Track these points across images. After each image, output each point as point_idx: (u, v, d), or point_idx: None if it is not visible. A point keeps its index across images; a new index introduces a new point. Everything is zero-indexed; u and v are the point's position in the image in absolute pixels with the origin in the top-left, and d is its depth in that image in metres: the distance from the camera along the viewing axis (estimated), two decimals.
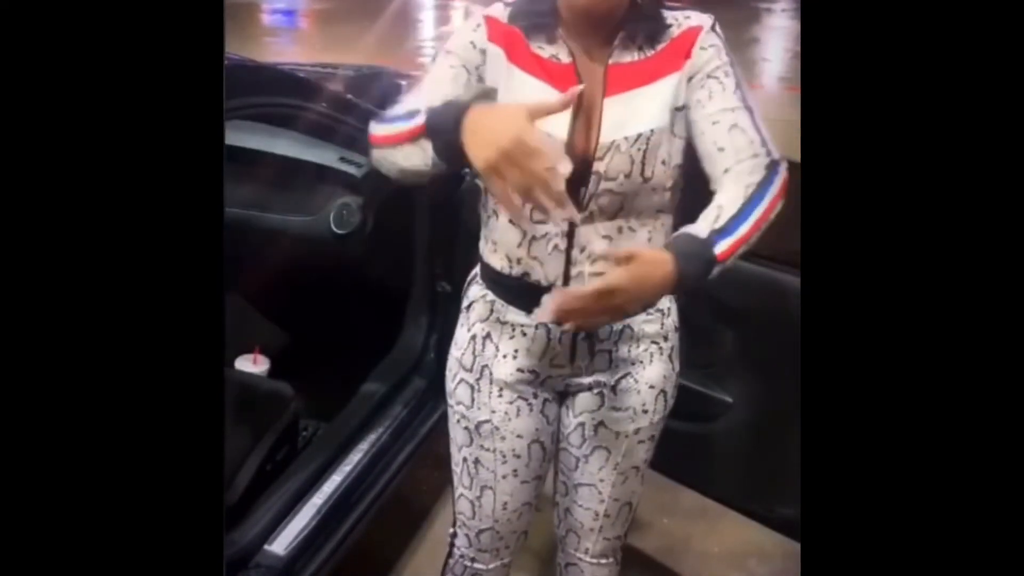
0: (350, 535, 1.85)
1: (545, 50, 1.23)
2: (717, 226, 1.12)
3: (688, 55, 1.22)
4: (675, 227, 1.22)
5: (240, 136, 2.05)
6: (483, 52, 1.24)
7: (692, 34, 1.22)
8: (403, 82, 2.88)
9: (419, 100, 1.19)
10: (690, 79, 1.21)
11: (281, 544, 1.73)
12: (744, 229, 1.13)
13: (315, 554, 1.77)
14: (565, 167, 1.01)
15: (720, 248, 1.11)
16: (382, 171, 1.25)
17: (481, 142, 1.04)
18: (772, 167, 1.18)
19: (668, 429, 1.43)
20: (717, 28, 1.23)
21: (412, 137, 1.15)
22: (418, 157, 1.16)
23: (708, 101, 1.21)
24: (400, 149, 1.17)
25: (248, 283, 2.21)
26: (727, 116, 1.20)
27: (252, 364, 2.42)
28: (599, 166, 1.19)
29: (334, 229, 2.11)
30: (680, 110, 1.22)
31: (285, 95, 1.77)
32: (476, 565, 1.53)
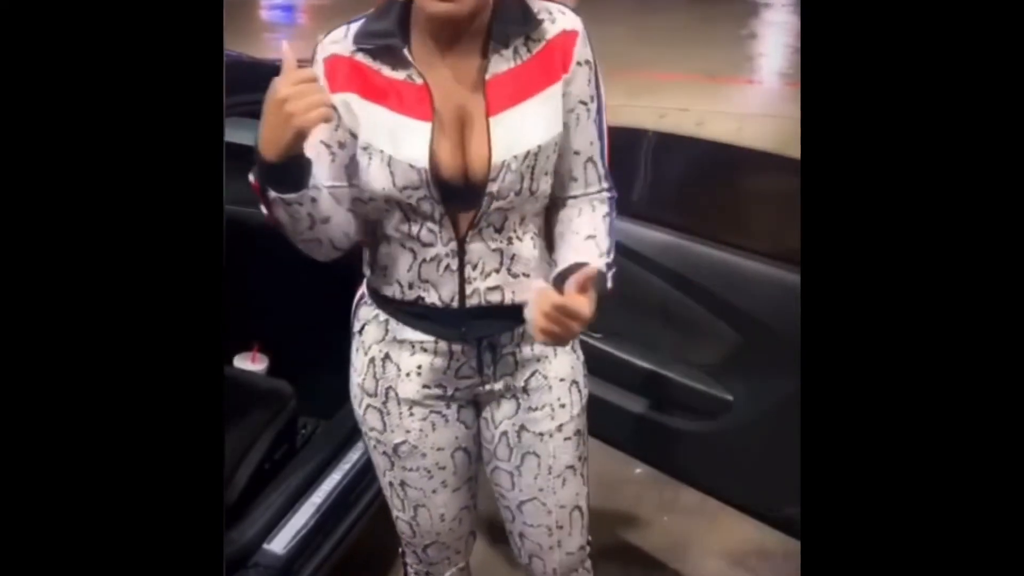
0: (349, 534, 1.85)
1: (398, 72, 1.17)
2: (607, 260, 1.23)
3: (566, 68, 1.18)
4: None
5: (237, 133, 2.04)
6: (333, 108, 1.12)
7: (568, 40, 1.18)
8: None
9: None
10: (563, 95, 1.19)
11: (280, 543, 1.73)
12: (613, 259, 1.24)
13: (314, 553, 1.76)
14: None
15: (604, 264, 1.22)
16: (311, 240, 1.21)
17: (265, 132, 1.05)
18: (612, 201, 1.29)
19: (668, 427, 1.43)
20: (586, 34, 1.20)
21: (262, 202, 1.13)
22: (284, 215, 1.13)
23: (574, 128, 1.23)
24: (279, 226, 1.16)
25: (246, 280, 2.19)
26: (586, 149, 1.25)
27: (251, 362, 2.42)
28: (492, 187, 1.17)
29: None
30: (565, 124, 1.21)
31: None
32: None
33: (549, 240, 1.31)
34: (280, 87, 1.04)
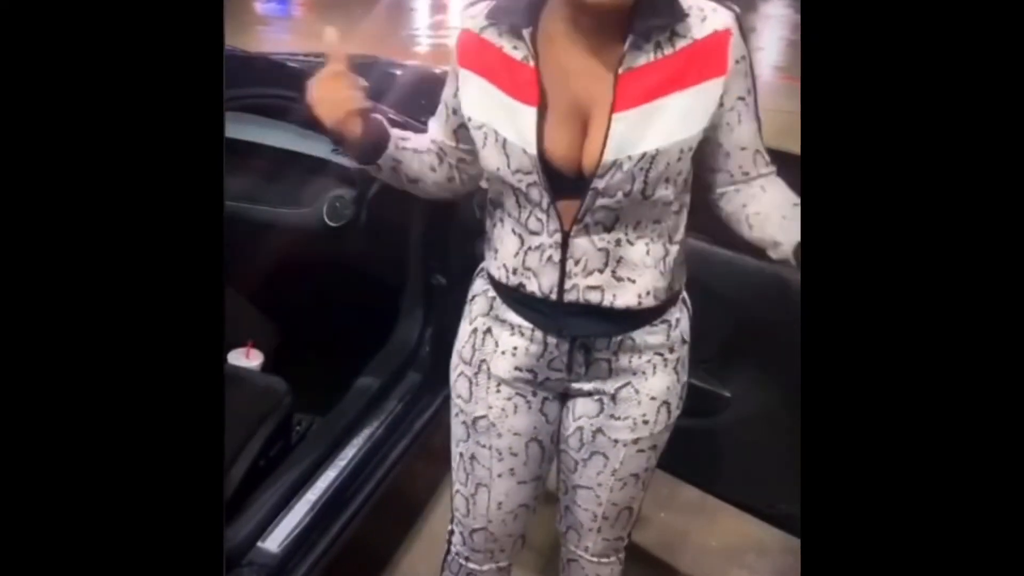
0: (345, 531, 1.85)
1: (518, 51, 1.16)
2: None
3: (724, 70, 1.13)
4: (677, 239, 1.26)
5: (232, 127, 2.03)
6: (456, 77, 1.23)
7: (722, 41, 1.13)
8: (397, 72, 2.86)
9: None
10: (723, 98, 1.15)
11: (275, 541, 1.72)
12: None
13: (309, 551, 1.76)
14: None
15: None
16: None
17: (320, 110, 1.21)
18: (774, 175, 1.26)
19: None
20: (743, 27, 1.16)
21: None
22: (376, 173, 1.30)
23: (737, 126, 1.19)
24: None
25: (240, 276, 2.19)
26: (752, 142, 1.22)
27: (245, 358, 2.41)
28: (598, 183, 1.14)
29: (327, 222, 2.09)
30: (704, 128, 1.16)
31: (278, 86, 1.75)
32: (471, 565, 1.52)
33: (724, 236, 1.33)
34: (312, 89, 1.19)
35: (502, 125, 1.17)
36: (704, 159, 1.22)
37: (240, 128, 2.07)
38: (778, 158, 1.94)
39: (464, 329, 1.38)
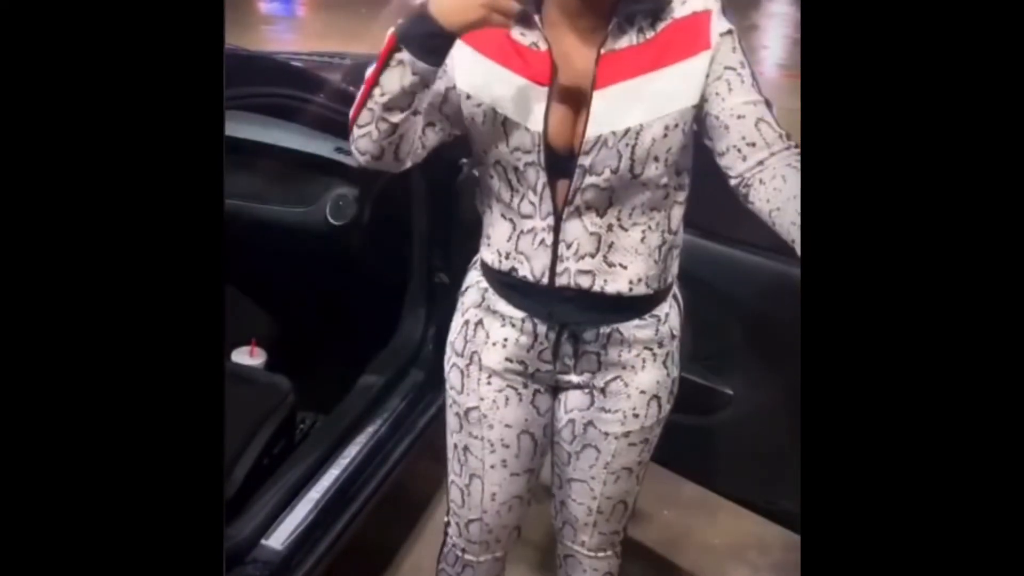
0: (348, 529, 1.85)
1: (526, 37, 1.18)
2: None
3: (706, 44, 1.15)
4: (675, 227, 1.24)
5: (235, 127, 2.04)
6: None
7: (701, 20, 1.15)
8: None
9: None
10: (707, 71, 1.16)
11: (278, 538, 1.73)
12: None
13: (313, 548, 1.76)
14: None
15: None
16: (367, 146, 1.20)
17: (452, 5, 1.07)
18: (792, 152, 1.15)
19: (669, 421, 1.42)
20: (727, 11, 1.18)
21: (386, 57, 1.12)
22: (396, 76, 1.12)
23: (728, 95, 1.16)
24: (379, 87, 1.14)
25: (244, 275, 2.20)
26: (751, 110, 1.16)
27: (249, 356, 2.42)
28: (584, 160, 1.17)
29: (330, 220, 2.10)
30: (694, 106, 1.17)
31: (280, 85, 1.76)
32: (467, 556, 1.53)
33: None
34: None
35: (504, 103, 1.17)
36: (712, 144, 1.20)
37: (244, 127, 2.07)
38: None
39: (456, 321, 1.39)
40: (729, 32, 1.17)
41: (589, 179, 1.18)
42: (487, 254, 1.31)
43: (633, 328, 1.30)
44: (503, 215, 1.26)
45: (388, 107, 1.14)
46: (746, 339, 1.73)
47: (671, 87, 1.16)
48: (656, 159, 1.17)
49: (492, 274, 1.31)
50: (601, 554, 1.52)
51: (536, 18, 1.17)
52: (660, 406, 1.37)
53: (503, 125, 1.18)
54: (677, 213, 1.27)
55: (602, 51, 1.16)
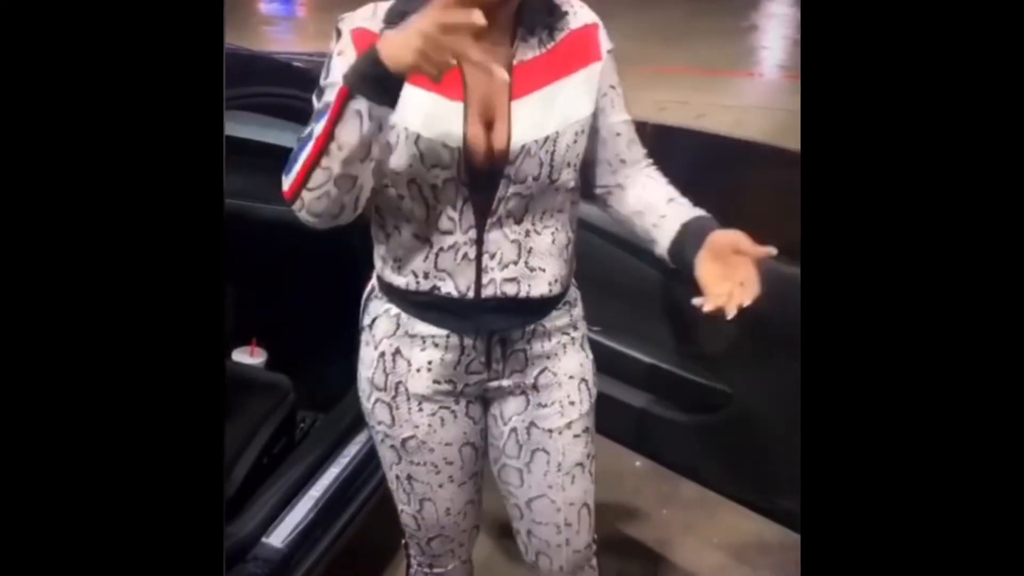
0: (348, 528, 1.85)
1: None
2: (694, 207, 1.28)
3: (598, 56, 1.23)
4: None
5: (236, 126, 2.04)
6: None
7: (592, 32, 1.23)
8: None
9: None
10: (598, 83, 1.23)
11: (279, 536, 1.73)
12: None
13: (313, 546, 1.76)
14: (478, 17, 0.96)
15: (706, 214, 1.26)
16: (324, 207, 1.13)
17: (402, 43, 0.99)
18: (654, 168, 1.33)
19: (667, 420, 1.43)
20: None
21: (340, 109, 1.05)
22: (355, 127, 1.05)
23: (611, 111, 1.27)
24: (334, 142, 1.07)
25: (245, 274, 2.20)
26: (625, 129, 1.30)
27: (249, 356, 2.42)
28: (509, 170, 1.17)
29: None
30: (592, 114, 1.23)
31: (281, 84, 1.76)
32: (436, 570, 1.53)
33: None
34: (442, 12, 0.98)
35: (415, 122, 1.15)
36: (585, 153, 1.26)
37: (245, 127, 2.07)
38: (781, 156, 1.95)
39: (368, 355, 1.34)
40: (611, 50, 1.25)
41: (513, 188, 1.19)
42: (396, 278, 1.27)
43: (553, 318, 1.32)
44: (416, 235, 1.23)
45: (348, 161, 1.08)
46: (746, 338, 1.73)
47: (576, 95, 1.21)
48: (568, 164, 1.22)
49: (406, 297, 1.28)
50: (580, 574, 1.50)
51: None
52: (588, 389, 1.39)
53: (416, 144, 1.15)
54: (574, 212, 1.31)
55: (514, 62, 1.18)
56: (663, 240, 1.26)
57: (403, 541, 1.55)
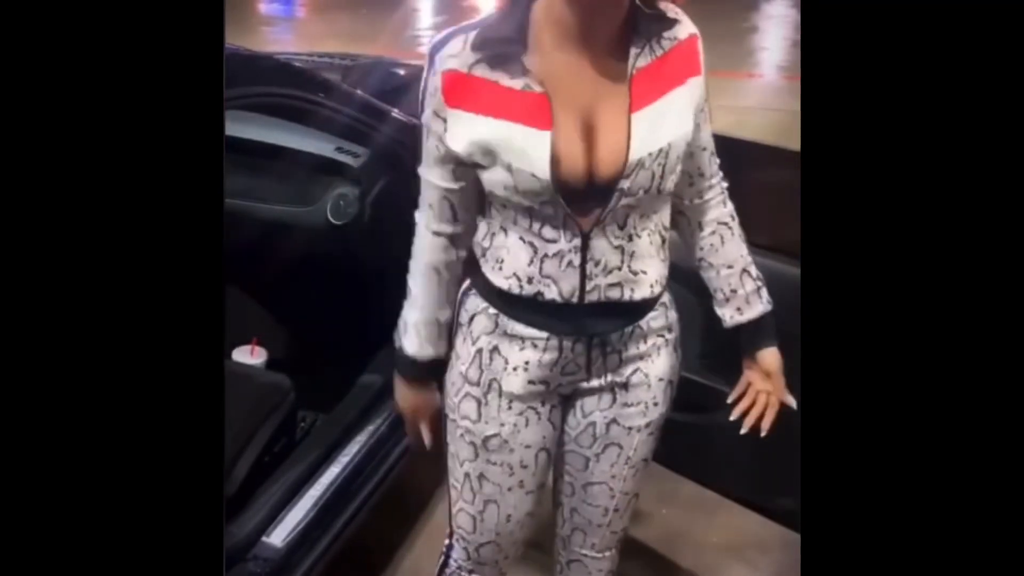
0: (348, 527, 1.86)
1: (516, 80, 1.14)
2: (764, 288, 1.38)
3: (698, 70, 1.22)
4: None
5: (237, 126, 2.04)
6: (444, 121, 1.18)
7: (694, 43, 1.22)
8: (401, 72, 2.87)
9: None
10: (698, 97, 1.23)
11: (279, 536, 1.73)
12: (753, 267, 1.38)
13: (313, 546, 1.77)
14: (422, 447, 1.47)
15: (767, 299, 1.37)
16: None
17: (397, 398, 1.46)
18: (726, 192, 1.36)
19: (668, 420, 1.43)
20: None
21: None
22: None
23: (704, 126, 1.28)
24: None
25: (245, 274, 2.20)
26: (710, 144, 1.32)
27: (250, 356, 2.42)
28: (624, 183, 1.16)
29: (331, 219, 2.10)
30: (694, 125, 1.23)
31: (282, 85, 1.76)
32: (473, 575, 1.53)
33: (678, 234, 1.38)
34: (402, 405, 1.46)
35: (507, 153, 1.15)
36: None
37: (245, 127, 2.07)
38: (781, 156, 1.95)
39: (466, 350, 1.34)
40: (704, 64, 1.24)
41: (624, 200, 1.17)
42: (498, 280, 1.26)
43: (650, 319, 1.32)
44: (522, 239, 1.22)
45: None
46: None
47: (683, 106, 1.20)
48: (674, 172, 1.21)
49: (508, 299, 1.27)
50: (607, 552, 1.53)
51: (524, 60, 1.14)
52: (672, 392, 1.40)
53: (509, 171, 1.15)
54: (668, 211, 1.30)
55: (632, 71, 1.16)
56: (727, 316, 1.39)
57: (446, 541, 1.54)
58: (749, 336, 1.38)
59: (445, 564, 1.55)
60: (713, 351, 1.77)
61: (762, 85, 6.60)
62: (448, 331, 1.36)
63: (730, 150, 2.32)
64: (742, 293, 1.36)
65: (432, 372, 1.40)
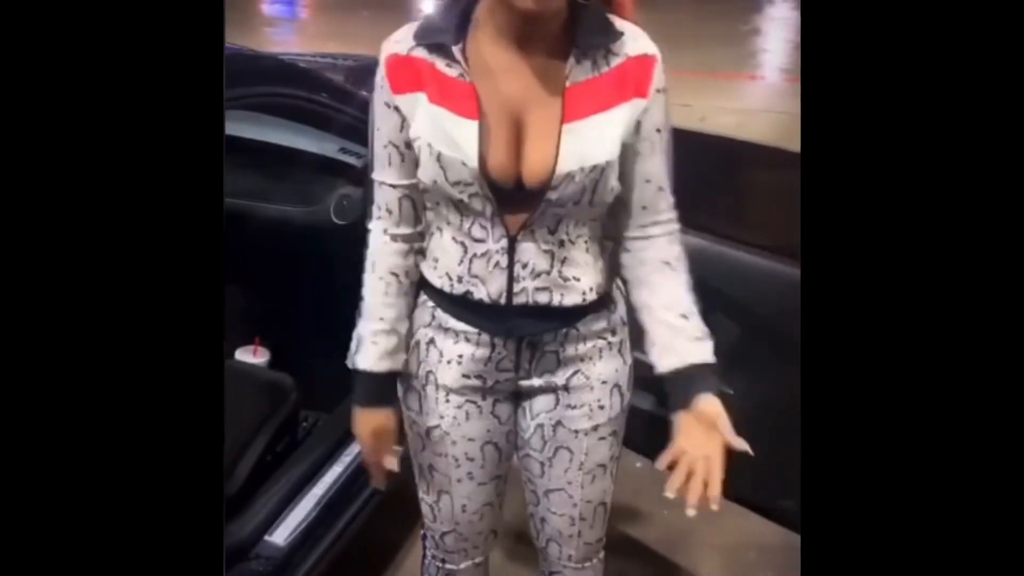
0: (350, 526, 1.86)
1: (451, 68, 1.15)
2: (706, 338, 1.24)
3: (645, 93, 1.17)
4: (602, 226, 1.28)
5: (240, 126, 2.04)
6: (396, 110, 1.19)
7: (648, 64, 1.17)
8: None
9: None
10: (639, 122, 1.18)
11: (281, 535, 1.74)
12: (699, 316, 1.25)
13: (315, 545, 1.77)
14: (391, 463, 1.36)
15: (710, 350, 1.24)
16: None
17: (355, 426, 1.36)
18: (676, 233, 1.27)
19: (668, 421, 1.43)
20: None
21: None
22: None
23: (649, 156, 1.21)
24: None
25: (249, 273, 2.21)
26: (657, 177, 1.23)
27: (252, 355, 2.42)
28: (551, 195, 1.15)
29: (334, 220, 2.10)
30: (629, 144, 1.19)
31: (285, 85, 1.77)
32: (448, 566, 1.54)
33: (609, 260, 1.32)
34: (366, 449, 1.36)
35: (436, 139, 1.15)
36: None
37: (248, 127, 2.08)
38: (781, 157, 1.95)
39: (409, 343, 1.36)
40: (664, 90, 1.19)
41: (552, 209, 1.17)
42: (433, 277, 1.28)
43: (588, 321, 1.30)
44: (454, 238, 1.23)
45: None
46: (746, 339, 1.74)
47: (623, 125, 1.16)
48: (612, 190, 1.19)
49: (442, 296, 1.28)
50: (587, 564, 1.52)
51: (455, 50, 1.15)
52: (622, 395, 1.37)
53: (439, 161, 1.15)
54: (606, 222, 1.29)
55: (567, 83, 1.15)
56: (660, 361, 1.25)
57: (422, 532, 1.56)
58: (685, 383, 1.23)
59: (424, 554, 1.58)
60: (715, 352, 1.77)
61: (763, 87, 6.60)
62: (406, 346, 1.32)
63: (731, 151, 2.33)
64: (682, 338, 1.24)
65: (391, 390, 1.35)
